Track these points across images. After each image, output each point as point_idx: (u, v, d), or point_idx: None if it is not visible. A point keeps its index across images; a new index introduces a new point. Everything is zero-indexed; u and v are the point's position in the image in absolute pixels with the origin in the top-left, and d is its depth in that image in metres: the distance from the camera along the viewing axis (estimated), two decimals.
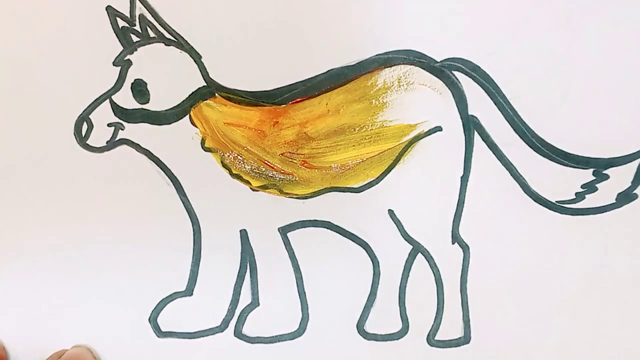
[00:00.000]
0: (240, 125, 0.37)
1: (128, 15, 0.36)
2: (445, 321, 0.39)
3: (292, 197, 0.38)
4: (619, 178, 0.37)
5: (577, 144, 0.37)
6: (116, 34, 0.36)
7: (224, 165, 0.38)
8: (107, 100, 0.37)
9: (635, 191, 0.38)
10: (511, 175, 0.38)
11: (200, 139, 0.38)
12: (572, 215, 0.38)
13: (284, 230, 0.39)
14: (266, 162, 0.38)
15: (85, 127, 0.37)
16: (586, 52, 0.36)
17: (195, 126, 0.37)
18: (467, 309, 0.39)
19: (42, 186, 0.39)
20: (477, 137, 0.37)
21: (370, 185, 0.38)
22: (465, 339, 0.40)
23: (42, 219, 0.39)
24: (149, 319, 0.40)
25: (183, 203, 0.39)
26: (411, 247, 0.39)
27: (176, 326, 0.40)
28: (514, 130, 0.37)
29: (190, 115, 0.37)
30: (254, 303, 0.40)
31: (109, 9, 0.36)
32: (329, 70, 0.36)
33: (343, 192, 0.38)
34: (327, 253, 0.39)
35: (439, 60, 0.36)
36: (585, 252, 0.39)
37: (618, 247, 0.39)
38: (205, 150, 0.38)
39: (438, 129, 0.37)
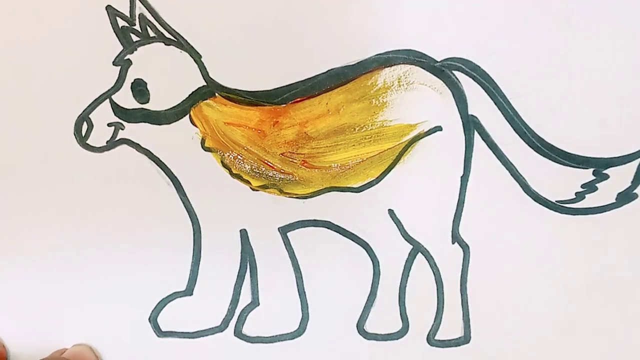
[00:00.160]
0: (240, 125, 0.37)
1: (128, 14, 0.36)
2: (445, 321, 0.39)
3: (292, 197, 0.38)
4: (619, 178, 0.37)
5: (577, 143, 0.37)
6: (116, 34, 0.36)
7: (224, 165, 0.38)
8: (107, 100, 0.37)
9: (635, 191, 0.38)
10: (511, 175, 0.38)
11: (200, 138, 0.38)
12: (572, 215, 0.38)
13: (284, 230, 0.39)
14: (266, 161, 0.38)
15: (85, 127, 0.37)
16: (586, 52, 0.36)
17: (195, 126, 0.37)
18: (467, 309, 0.39)
19: (42, 186, 0.39)
20: (477, 136, 0.37)
21: (370, 185, 0.38)
22: (465, 339, 0.40)
23: (42, 219, 0.39)
24: (149, 319, 0.40)
25: (183, 203, 0.39)
26: (411, 247, 0.39)
27: (176, 326, 0.40)
28: (514, 130, 0.37)
29: (190, 115, 0.37)
30: (254, 303, 0.40)
31: (109, 8, 0.36)
32: (329, 70, 0.36)
33: (343, 191, 0.38)
34: (327, 253, 0.39)
35: (439, 60, 0.36)
36: (585, 252, 0.39)
37: (618, 247, 0.39)
38: (205, 150, 0.38)
39: (438, 128, 0.37)
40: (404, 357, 0.40)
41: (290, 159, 0.38)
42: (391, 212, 0.38)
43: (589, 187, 0.37)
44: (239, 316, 0.40)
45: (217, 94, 0.37)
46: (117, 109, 0.37)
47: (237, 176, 0.38)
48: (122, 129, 0.37)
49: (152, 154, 0.38)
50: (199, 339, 0.40)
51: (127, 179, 0.38)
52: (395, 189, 0.38)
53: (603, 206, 0.38)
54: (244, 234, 0.39)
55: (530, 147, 0.37)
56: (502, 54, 0.36)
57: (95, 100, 0.37)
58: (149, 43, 0.36)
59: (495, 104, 0.37)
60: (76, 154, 0.38)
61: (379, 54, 0.36)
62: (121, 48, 0.37)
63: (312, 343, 0.40)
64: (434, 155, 0.37)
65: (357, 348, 0.40)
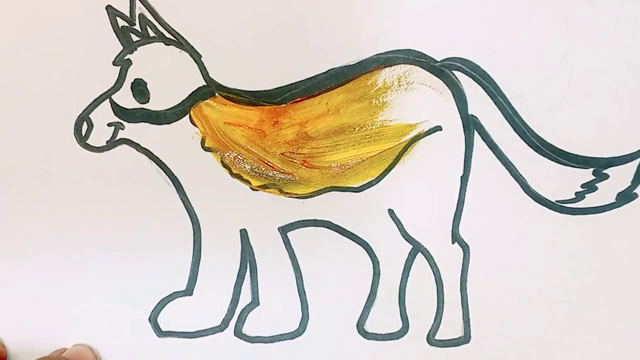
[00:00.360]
0: (240, 125, 0.37)
1: (128, 14, 0.36)
2: (445, 321, 0.39)
3: (292, 197, 0.38)
4: (619, 178, 0.37)
5: (577, 144, 0.37)
6: (116, 34, 0.36)
7: (224, 165, 0.38)
8: (107, 100, 0.37)
9: (635, 191, 0.38)
10: (511, 175, 0.38)
11: (200, 138, 0.38)
12: (572, 214, 0.38)
13: (284, 230, 0.39)
14: (266, 161, 0.38)
15: (85, 126, 0.37)
16: (586, 52, 0.36)
17: (195, 126, 0.37)
18: (467, 309, 0.39)
19: (42, 186, 0.39)
20: (477, 136, 0.37)
21: (370, 184, 0.38)
22: (465, 339, 0.40)
23: (42, 219, 0.39)
24: (149, 319, 0.40)
25: (183, 203, 0.39)
26: (411, 246, 0.39)
27: (176, 326, 0.40)
28: (514, 130, 0.37)
29: (190, 115, 0.37)
30: (254, 302, 0.40)
31: (109, 8, 0.36)
32: (329, 70, 0.36)
33: (343, 191, 0.38)
34: (327, 253, 0.39)
35: (439, 60, 0.36)
36: (585, 251, 0.39)
37: (618, 246, 0.39)
38: (205, 150, 0.38)
39: (438, 128, 0.37)
40: (404, 357, 0.40)
41: (290, 159, 0.38)
42: (391, 212, 0.38)
43: (589, 187, 0.37)
44: (239, 316, 0.40)
45: (217, 94, 0.37)
46: (117, 109, 0.37)
47: (237, 176, 0.38)
48: (122, 129, 0.37)
49: (152, 153, 0.38)
50: (199, 338, 0.40)
51: (127, 179, 0.38)
52: (395, 188, 0.38)
53: (603, 206, 0.38)
54: (244, 233, 0.39)
55: (530, 147, 0.37)
56: (502, 54, 0.36)
57: (95, 100, 0.37)
58: (149, 43, 0.36)
59: (495, 103, 0.37)
60: (76, 154, 0.38)
61: (379, 54, 0.36)
62: (121, 48, 0.37)
63: (312, 343, 0.40)
64: (434, 155, 0.37)
65: (357, 348, 0.40)
